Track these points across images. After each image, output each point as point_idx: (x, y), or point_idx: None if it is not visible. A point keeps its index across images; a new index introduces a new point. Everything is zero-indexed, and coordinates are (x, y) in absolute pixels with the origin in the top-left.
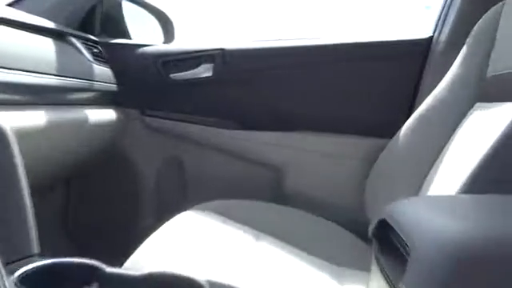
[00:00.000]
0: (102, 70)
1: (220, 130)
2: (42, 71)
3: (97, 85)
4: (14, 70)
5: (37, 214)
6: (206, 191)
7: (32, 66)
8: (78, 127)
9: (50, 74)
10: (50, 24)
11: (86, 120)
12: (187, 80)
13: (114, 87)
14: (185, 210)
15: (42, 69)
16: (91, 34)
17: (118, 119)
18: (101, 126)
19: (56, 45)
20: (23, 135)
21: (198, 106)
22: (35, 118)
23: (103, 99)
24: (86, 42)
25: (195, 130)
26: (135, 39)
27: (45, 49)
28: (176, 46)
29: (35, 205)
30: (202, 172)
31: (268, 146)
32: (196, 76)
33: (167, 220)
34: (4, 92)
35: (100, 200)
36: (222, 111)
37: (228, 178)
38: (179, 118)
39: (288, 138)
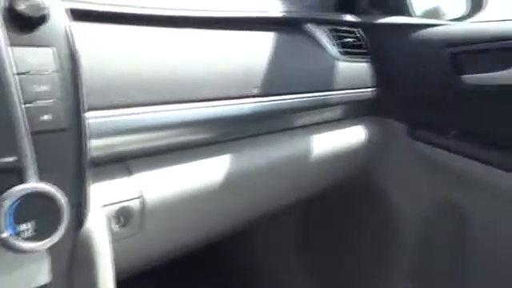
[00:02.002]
0: (352, 70)
1: None
2: (255, 93)
3: (341, 95)
4: (215, 100)
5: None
6: (496, 266)
7: (238, 89)
8: (311, 155)
9: (271, 95)
10: (270, 11)
11: (321, 144)
12: (492, 86)
13: (369, 92)
14: None
15: (255, 89)
16: (352, 13)
17: (373, 137)
18: (346, 149)
19: (282, 44)
20: (240, 176)
21: (508, 135)
22: (249, 152)
23: (351, 111)
24: (338, 27)
25: (493, 174)
26: (415, 18)
27: (260, 57)
28: (476, 26)
29: None
30: (495, 237)
31: None
32: (509, 81)
33: None
34: (207, 130)
35: (341, 242)
36: None
37: None
38: (469, 148)
39: None
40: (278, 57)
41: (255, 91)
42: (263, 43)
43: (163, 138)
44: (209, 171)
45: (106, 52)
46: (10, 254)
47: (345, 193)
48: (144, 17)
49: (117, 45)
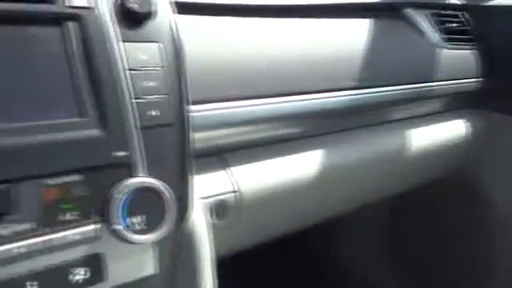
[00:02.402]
0: (456, 58)
1: None
2: (351, 86)
3: (442, 86)
4: (311, 93)
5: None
6: None
7: (334, 81)
8: (407, 150)
9: (367, 87)
10: None
11: (419, 139)
12: None
13: (473, 83)
14: None
15: (350, 81)
16: None
17: (475, 132)
18: (446, 145)
19: (379, 31)
20: (334, 170)
21: None
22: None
23: (452, 104)
24: (440, 11)
25: None
26: None
27: (356, 46)
28: None
29: None
30: None
31: None
32: None
33: None
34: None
35: (433, 242)
36: None
37: None
38: None
39: None
40: (374, 46)
41: (351, 83)
42: (359, 31)
43: (259, 131)
44: (303, 165)
45: (204, 45)
46: (121, 245)
47: (441, 190)
48: (238, 7)
49: (215, 37)
